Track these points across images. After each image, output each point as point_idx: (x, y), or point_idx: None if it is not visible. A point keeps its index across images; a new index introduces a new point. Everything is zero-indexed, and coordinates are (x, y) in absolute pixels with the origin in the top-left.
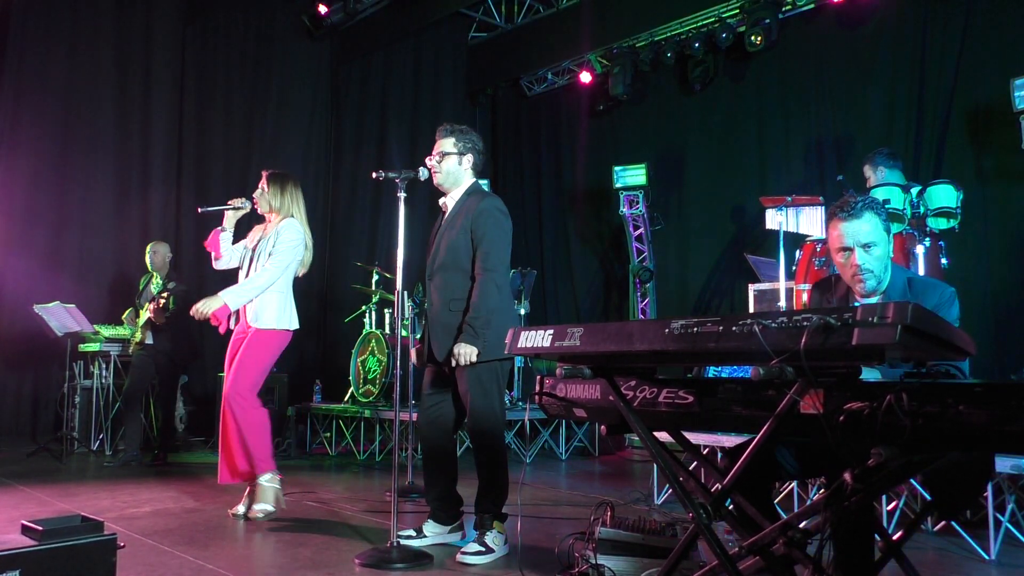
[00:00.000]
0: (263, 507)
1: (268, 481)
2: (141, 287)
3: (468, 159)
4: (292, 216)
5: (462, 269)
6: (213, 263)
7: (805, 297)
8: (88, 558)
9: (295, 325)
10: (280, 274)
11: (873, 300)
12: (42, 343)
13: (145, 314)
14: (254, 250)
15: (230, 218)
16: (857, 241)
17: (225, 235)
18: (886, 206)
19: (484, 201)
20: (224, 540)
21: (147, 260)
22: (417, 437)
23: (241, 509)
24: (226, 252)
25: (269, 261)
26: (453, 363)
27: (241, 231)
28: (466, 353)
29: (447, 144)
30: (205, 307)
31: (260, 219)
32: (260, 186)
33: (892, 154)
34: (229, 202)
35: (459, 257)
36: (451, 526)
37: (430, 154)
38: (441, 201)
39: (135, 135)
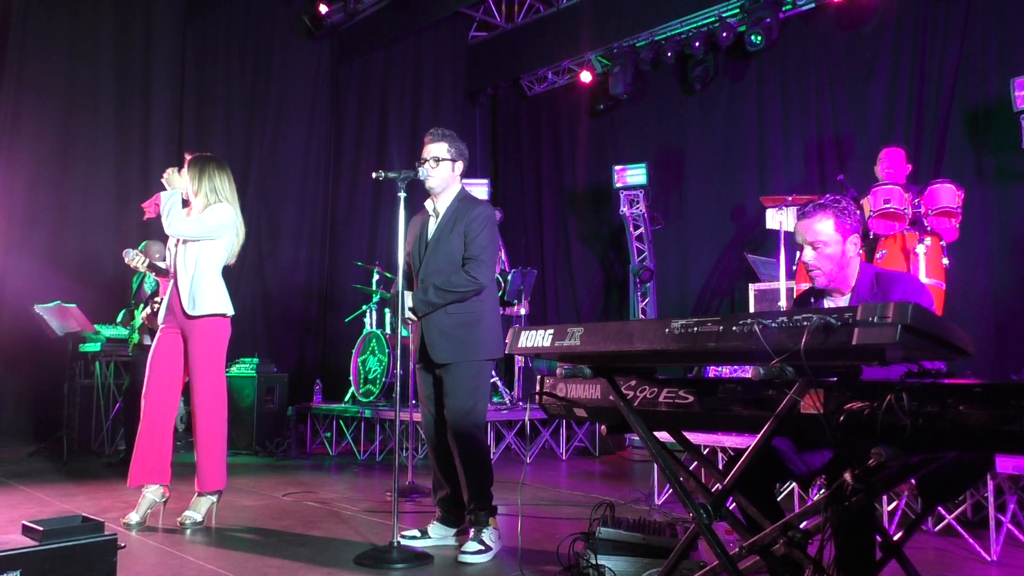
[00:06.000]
0: (193, 515)
1: (212, 493)
2: (134, 288)
3: (460, 165)
4: (221, 201)
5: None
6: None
7: None
8: (88, 558)
9: (232, 311)
10: (202, 232)
11: (844, 300)
12: (42, 343)
13: (140, 317)
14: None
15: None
16: (805, 239)
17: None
18: (886, 205)
19: (479, 207)
20: (224, 540)
21: None
22: (425, 439)
23: (136, 518)
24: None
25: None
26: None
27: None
28: (406, 304)
29: (440, 149)
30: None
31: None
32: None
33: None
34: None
35: (455, 261)
36: (457, 529)
37: (421, 158)
38: (429, 205)
39: (135, 135)
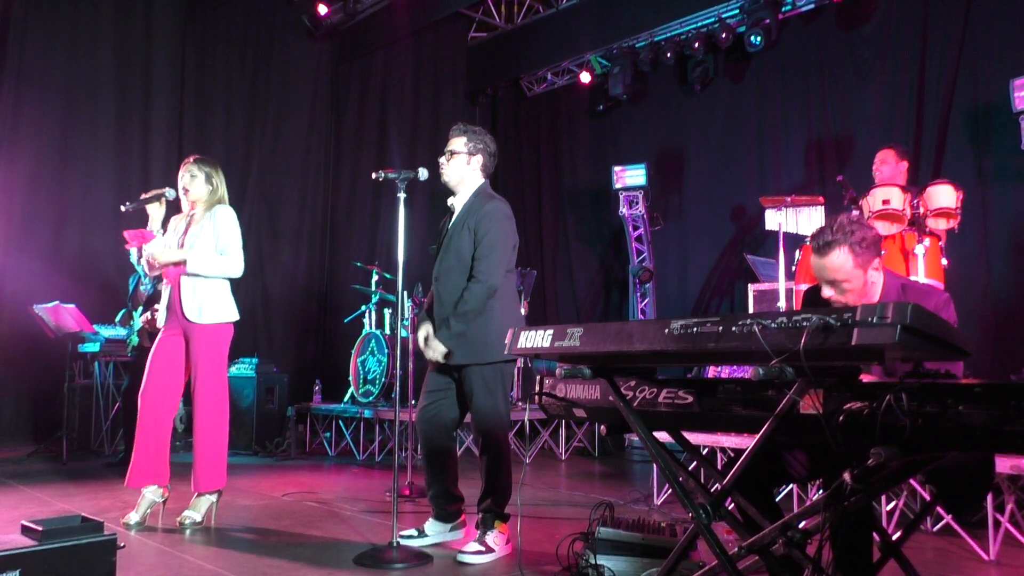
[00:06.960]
0: (193, 515)
1: (212, 493)
2: (131, 288)
3: (477, 160)
4: (224, 203)
5: (468, 272)
6: (149, 273)
7: None
8: (88, 558)
9: (237, 316)
10: (239, 254)
11: None
12: (42, 343)
13: (139, 320)
14: (183, 244)
15: (156, 216)
16: (824, 278)
17: (159, 237)
18: (885, 206)
19: (489, 204)
20: (223, 540)
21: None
22: (416, 434)
23: (135, 518)
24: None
25: (228, 249)
26: (436, 357)
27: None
28: (437, 350)
29: (457, 143)
30: (163, 257)
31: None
32: (186, 171)
33: None
34: (148, 194)
35: (464, 259)
36: (452, 524)
37: (442, 152)
38: (449, 201)
39: (135, 135)
